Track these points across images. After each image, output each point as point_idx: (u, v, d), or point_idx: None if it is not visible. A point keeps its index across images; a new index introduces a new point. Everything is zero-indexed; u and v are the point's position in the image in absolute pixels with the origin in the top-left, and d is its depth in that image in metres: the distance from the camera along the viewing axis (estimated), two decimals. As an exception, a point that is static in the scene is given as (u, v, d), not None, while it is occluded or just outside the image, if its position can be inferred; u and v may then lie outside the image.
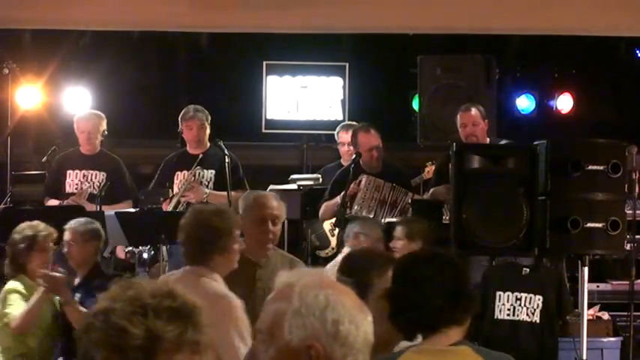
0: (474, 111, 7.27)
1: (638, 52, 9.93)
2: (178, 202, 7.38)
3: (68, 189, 7.61)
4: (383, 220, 7.26)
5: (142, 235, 6.93)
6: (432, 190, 7.30)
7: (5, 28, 8.66)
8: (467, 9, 8.10)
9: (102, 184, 7.54)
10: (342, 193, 7.21)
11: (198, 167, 7.46)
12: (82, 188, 7.55)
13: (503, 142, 7.27)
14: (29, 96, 8.96)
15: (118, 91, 9.67)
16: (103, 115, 7.88)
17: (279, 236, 4.95)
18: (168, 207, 7.34)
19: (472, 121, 7.22)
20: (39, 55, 9.32)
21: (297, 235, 8.22)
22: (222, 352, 3.78)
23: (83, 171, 7.67)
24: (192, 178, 7.43)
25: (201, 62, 10.21)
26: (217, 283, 4.09)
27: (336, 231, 7.57)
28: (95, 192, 7.49)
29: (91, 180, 7.63)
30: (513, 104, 9.89)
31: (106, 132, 7.83)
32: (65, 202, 7.42)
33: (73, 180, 7.65)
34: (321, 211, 7.59)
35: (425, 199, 7.53)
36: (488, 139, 7.30)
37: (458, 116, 7.30)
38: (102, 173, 7.68)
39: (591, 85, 9.99)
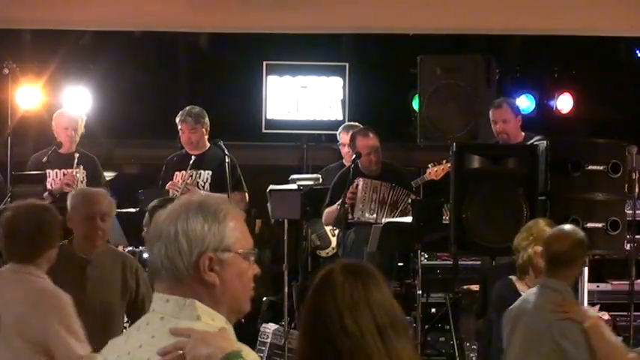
0: (504, 107, 7.26)
1: (638, 52, 9.93)
2: None
3: (50, 188, 7.59)
4: (383, 220, 7.26)
5: (142, 235, 6.92)
6: None
7: (5, 28, 8.66)
8: (467, 9, 8.10)
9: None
10: (343, 196, 7.23)
11: (192, 170, 7.43)
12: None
13: (537, 138, 7.19)
14: (29, 96, 8.95)
15: (118, 91, 9.66)
16: (83, 116, 7.89)
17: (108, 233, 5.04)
18: None
19: (502, 119, 7.22)
20: (39, 55, 9.32)
21: (297, 235, 8.22)
22: (52, 346, 3.94)
23: (63, 170, 7.65)
24: (190, 179, 7.41)
25: (201, 62, 10.21)
26: (44, 280, 4.12)
27: (337, 231, 7.57)
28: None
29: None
30: (513, 104, 9.88)
31: (84, 132, 7.80)
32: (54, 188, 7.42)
33: (54, 179, 7.64)
34: (323, 218, 7.61)
35: (425, 199, 7.54)
36: (523, 134, 7.26)
37: (490, 112, 7.30)
38: (83, 171, 7.67)
39: (591, 85, 9.98)
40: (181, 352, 2.09)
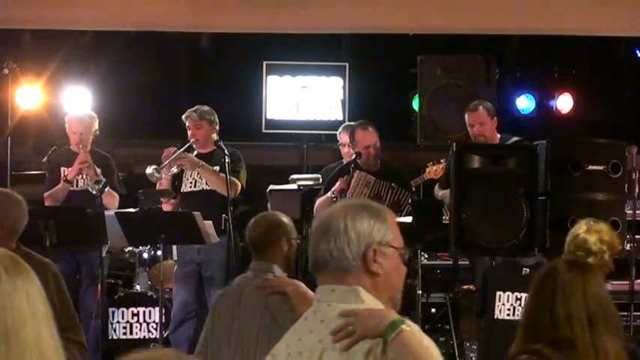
0: (481, 110, 7.24)
1: (638, 52, 9.93)
2: (172, 167, 7.31)
3: (64, 176, 7.56)
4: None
5: (142, 235, 6.91)
6: (442, 192, 7.24)
7: (5, 28, 8.66)
8: (467, 9, 8.11)
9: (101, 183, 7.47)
10: (333, 188, 7.25)
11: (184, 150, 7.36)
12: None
13: (514, 139, 7.20)
14: (29, 96, 8.95)
15: (118, 91, 9.66)
16: (95, 116, 7.78)
17: None
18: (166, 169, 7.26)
19: (479, 121, 7.20)
20: (39, 55, 9.32)
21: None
22: None
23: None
24: (184, 153, 7.31)
25: (201, 62, 10.21)
26: None
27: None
28: (89, 188, 7.43)
29: (86, 176, 7.58)
30: (513, 104, 9.88)
31: (98, 132, 7.73)
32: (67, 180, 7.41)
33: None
34: (315, 207, 7.58)
35: (425, 199, 7.53)
36: (499, 136, 7.26)
37: (466, 115, 7.28)
38: (97, 169, 7.63)
39: (591, 85, 9.98)
40: (351, 327, 2.30)
